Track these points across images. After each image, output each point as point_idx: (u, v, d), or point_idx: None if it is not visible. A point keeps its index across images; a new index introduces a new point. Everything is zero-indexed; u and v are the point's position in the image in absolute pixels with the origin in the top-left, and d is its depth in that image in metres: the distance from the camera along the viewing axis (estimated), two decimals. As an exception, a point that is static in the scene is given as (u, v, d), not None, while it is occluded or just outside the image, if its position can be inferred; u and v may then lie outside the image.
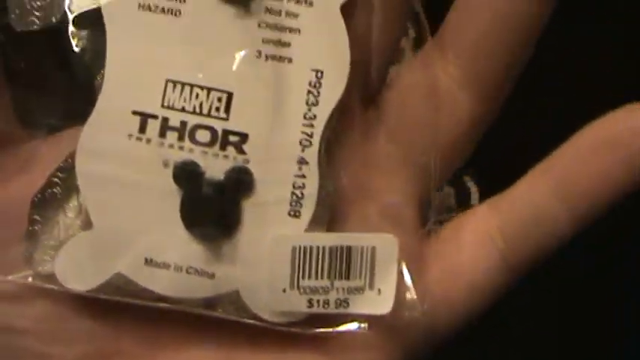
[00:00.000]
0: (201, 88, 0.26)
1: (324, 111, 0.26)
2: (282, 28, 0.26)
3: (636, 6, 0.42)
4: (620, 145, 0.26)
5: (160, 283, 0.27)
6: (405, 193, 0.28)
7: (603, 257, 0.44)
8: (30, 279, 0.27)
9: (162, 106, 0.26)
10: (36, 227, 0.27)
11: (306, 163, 0.26)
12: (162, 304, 0.27)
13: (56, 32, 0.27)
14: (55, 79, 0.28)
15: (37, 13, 0.27)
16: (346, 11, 0.26)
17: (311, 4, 0.26)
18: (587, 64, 0.43)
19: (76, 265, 0.27)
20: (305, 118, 0.26)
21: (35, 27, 0.27)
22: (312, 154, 0.26)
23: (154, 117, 0.26)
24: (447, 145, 0.28)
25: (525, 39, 0.28)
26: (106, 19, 0.26)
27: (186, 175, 0.26)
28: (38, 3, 0.27)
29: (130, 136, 0.26)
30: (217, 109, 0.26)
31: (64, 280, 0.27)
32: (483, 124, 0.28)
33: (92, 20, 0.27)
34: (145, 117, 0.26)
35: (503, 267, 0.28)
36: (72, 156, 0.27)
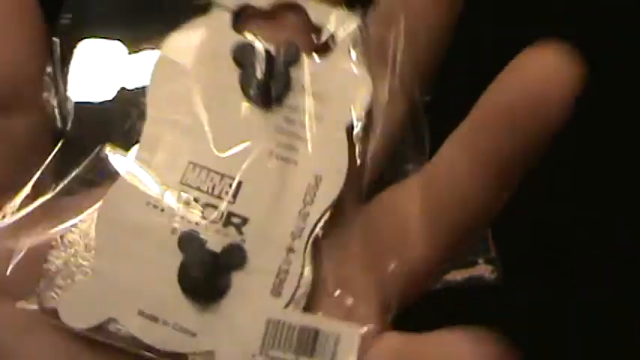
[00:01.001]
0: (217, 173, 0.31)
1: (317, 210, 0.30)
2: (294, 135, 0.31)
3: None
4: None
5: (149, 334, 0.30)
6: (369, 294, 0.31)
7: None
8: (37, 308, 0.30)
9: (181, 182, 0.31)
10: (50, 267, 0.31)
11: (294, 251, 0.30)
12: (147, 353, 0.30)
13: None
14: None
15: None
16: (349, 129, 0.31)
17: (321, 118, 0.31)
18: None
19: (77, 305, 0.30)
20: (300, 214, 0.30)
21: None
22: (300, 245, 0.30)
23: (172, 191, 0.31)
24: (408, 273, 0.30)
25: (499, 197, 0.29)
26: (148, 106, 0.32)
27: (189, 243, 0.30)
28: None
29: (148, 203, 0.31)
30: (227, 192, 0.31)
31: (64, 316, 0.30)
32: (438, 266, 0.30)
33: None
34: (163, 190, 0.31)
35: None
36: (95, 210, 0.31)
